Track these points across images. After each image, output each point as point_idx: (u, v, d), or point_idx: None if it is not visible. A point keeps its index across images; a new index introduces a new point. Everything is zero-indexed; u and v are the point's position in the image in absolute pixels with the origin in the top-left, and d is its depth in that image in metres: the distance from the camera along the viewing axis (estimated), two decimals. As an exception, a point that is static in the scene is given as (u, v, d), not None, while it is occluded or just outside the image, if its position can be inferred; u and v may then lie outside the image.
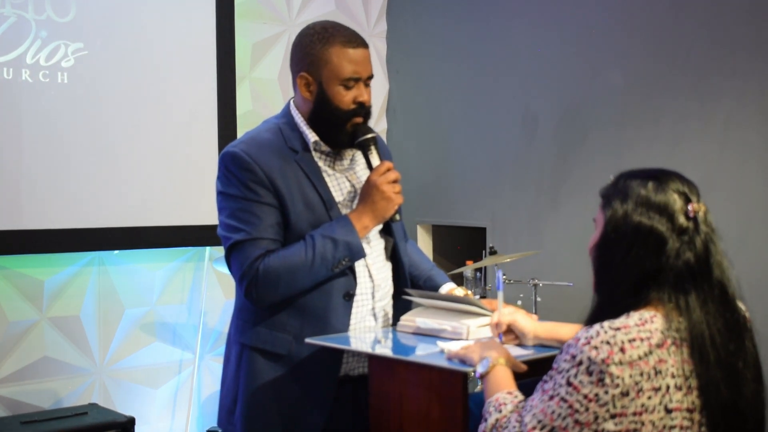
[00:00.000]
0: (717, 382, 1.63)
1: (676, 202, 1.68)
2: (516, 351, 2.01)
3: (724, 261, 1.70)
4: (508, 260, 3.48)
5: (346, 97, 2.24)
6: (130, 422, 3.50)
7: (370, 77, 2.28)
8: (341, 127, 2.26)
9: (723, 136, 3.42)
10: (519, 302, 3.72)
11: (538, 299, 3.68)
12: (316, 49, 2.23)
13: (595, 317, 1.69)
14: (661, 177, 1.71)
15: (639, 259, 1.66)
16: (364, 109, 2.27)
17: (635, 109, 3.72)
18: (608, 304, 1.70)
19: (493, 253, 3.70)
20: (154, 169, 3.93)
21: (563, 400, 1.61)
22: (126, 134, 3.86)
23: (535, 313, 3.53)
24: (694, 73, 3.51)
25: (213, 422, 4.13)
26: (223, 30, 4.13)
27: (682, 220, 1.67)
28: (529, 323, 2.07)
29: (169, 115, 3.98)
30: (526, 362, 1.91)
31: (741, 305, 1.77)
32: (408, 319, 2.27)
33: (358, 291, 2.27)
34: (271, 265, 2.16)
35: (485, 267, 4.03)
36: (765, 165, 3.31)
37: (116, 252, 3.92)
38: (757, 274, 3.25)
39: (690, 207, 1.68)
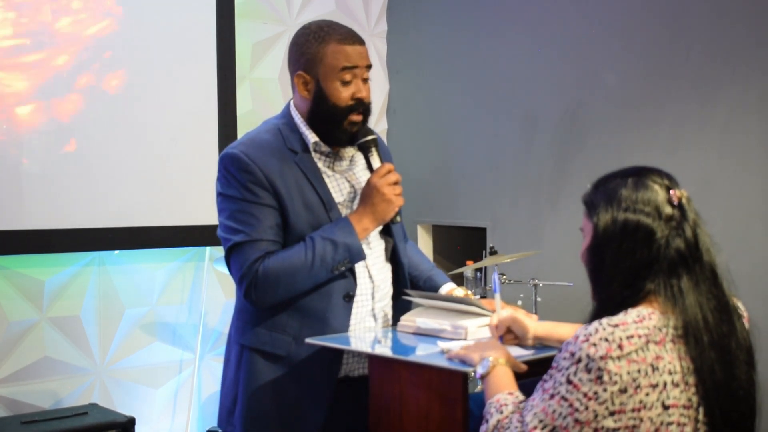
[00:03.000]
0: (711, 364, 1.64)
1: (659, 193, 1.70)
2: (516, 351, 2.01)
3: (712, 245, 1.72)
4: (508, 260, 3.48)
5: (343, 93, 2.22)
6: (130, 422, 3.50)
7: (369, 67, 2.26)
8: (339, 125, 2.24)
9: (722, 137, 3.42)
10: (519, 302, 3.72)
11: (538, 299, 3.68)
12: (312, 47, 2.22)
13: (595, 317, 1.70)
14: (639, 173, 1.74)
15: (630, 254, 1.68)
16: (362, 105, 2.25)
17: (635, 109, 3.72)
18: (606, 301, 1.71)
19: (493, 253, 3.70)
20: (154, 169, 3.93)
21: (564, 398, 1.61)
22: (126, 134, 3.85)
23: (535, 313, 3.53)
24: (694, 74, 3.51)
25: (213, 422, 4.13)
26: (223, 30, 4.13)
27: (668, 209, 1.69)
28: (528, 323, 2.07)
29: (169, 115, 3.98)
30: (526, 362, 1.92)
31: (740, 305, 1.78)
32: (408, 320, 2.27)
33: (357, 292, 2.27)
34: (270, 267, 2.15)
35: (485, 267, 4.02)
36: (764, 166, 3.31)
37: (116, 252, 3.92)
38: (757, 274, 3.25)
39: (672, 194, 1.70)
